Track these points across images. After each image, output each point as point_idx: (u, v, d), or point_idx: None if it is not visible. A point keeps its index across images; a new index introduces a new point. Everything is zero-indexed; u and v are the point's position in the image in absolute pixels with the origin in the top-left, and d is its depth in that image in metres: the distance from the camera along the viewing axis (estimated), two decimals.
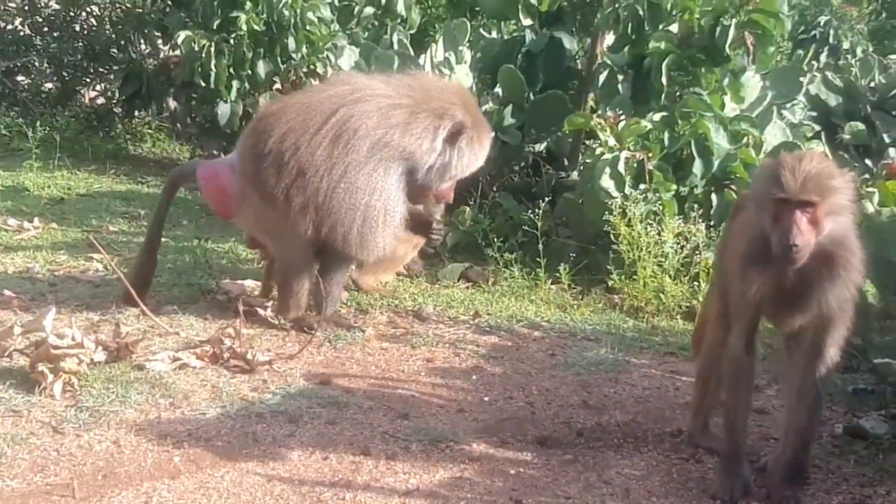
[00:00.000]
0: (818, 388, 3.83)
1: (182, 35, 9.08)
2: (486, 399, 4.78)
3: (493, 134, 5.62)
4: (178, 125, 10.70)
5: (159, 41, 10.63)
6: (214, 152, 10.24)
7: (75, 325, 4.69)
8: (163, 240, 7.05)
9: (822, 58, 12.46)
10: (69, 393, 4.39)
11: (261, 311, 5.63)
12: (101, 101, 11.36)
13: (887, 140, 8.56)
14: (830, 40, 13.27)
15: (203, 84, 9.17)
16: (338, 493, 3.74)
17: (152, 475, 3.80)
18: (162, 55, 10.70)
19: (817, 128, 8.06)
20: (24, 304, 5.51)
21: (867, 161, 8.35)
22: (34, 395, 4.33)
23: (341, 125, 5.26)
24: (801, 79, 8.05)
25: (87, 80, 11.29)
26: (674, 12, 7.01)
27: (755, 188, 3.91)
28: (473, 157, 5.44)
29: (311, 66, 9.08)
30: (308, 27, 9.12)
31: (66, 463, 3.84)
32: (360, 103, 5.32)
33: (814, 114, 8.69)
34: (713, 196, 6.69)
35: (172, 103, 10.47)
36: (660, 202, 6.36)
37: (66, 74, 11.18)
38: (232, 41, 9.13)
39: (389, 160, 5.27)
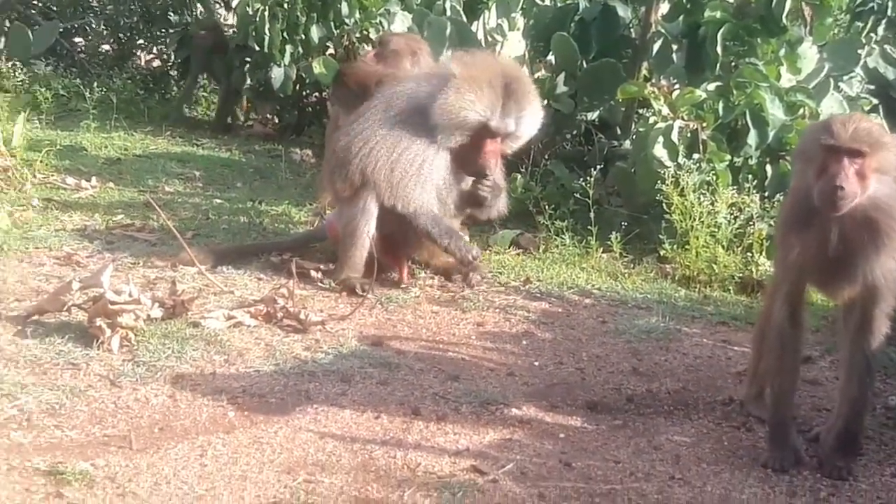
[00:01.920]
0: (868, 360, 3.82)
1: None
2: (536, 364, 4.80)
3: (489, 95, 5.47)
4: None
5: (216, 5, 10.70)
6: (268, 116, 10.34)
7: (132, 282, 4.76)
8: (217, 201, 7.21)
9: (881, 30, 12.22)
10: (126, 348, 4.46)
11: (314, 273, 5.67)
12: (156, 63, 11.46)
13: None
14: (889, 12, 13.00)
15: (257, 48, 9.22)
16: (389, 451, 3.79)
17: (207, 429, 3.86)
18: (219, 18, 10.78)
19: (875, 101, 7.94)
20: (82, 260, 5.60)
21: None
22: (92, 349, 4.41)
23: (384, 103, 5.67)
24: (859, 51, 7.93)
25: (144, 42, 11.37)
26: None
27: (802, 146, 3.92)
28: (460, 105, 5.42)
29: (364, 32, 9.08)
30: None
31: (123, 415, 3.91)
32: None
33: (871, 87, 8.55)
34: (768, 167, 6.61)
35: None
36: (713, 172, 6.31)
37: (122, 37, 11.29)
38: (286, 5, 9.15)
39: (410, 112, 5.56)
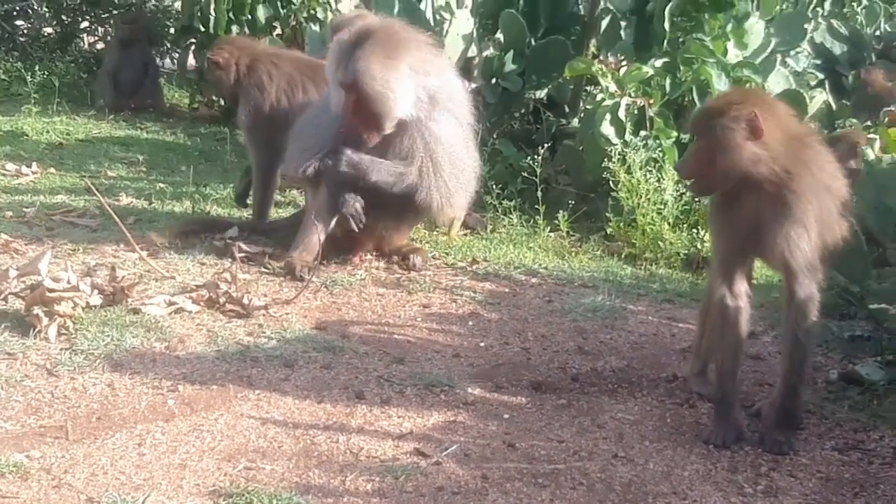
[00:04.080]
0: (797, 334, 3.83)
1: None
2: (481, 344, 4.79)
3: (336, 49, 5.35)
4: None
5: None
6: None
7: (71, 269, 4.67)
8: (160, 185, 7.11)
9: (827, 5, 12.31)
10: (64, 336, 4.39)
11: (258, 257, 5.60)
12: (100, 46, 11.26)
13: None
14: None
15: (203, 29, 9.09)
16: (331, 437, 3.76)
17: (146, 418, 3.82)
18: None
19: (821, 76, 8.00)
20: (20, 248, 5.49)
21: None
22: (29, 338, 4.33)
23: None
24: (806, 26, 7.96)
25: (87, 24, 11.18)
26: None
27: None
28: (380, 75, 5.17)
29: (311, 11, 9.00)
30: None
31: (60, 405, 3.85)
32: None
33: (818, 62, 8.60)
34: None
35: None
36: (660, 149, 6.33)
37: (65, 18, 11.06)
38: None
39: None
